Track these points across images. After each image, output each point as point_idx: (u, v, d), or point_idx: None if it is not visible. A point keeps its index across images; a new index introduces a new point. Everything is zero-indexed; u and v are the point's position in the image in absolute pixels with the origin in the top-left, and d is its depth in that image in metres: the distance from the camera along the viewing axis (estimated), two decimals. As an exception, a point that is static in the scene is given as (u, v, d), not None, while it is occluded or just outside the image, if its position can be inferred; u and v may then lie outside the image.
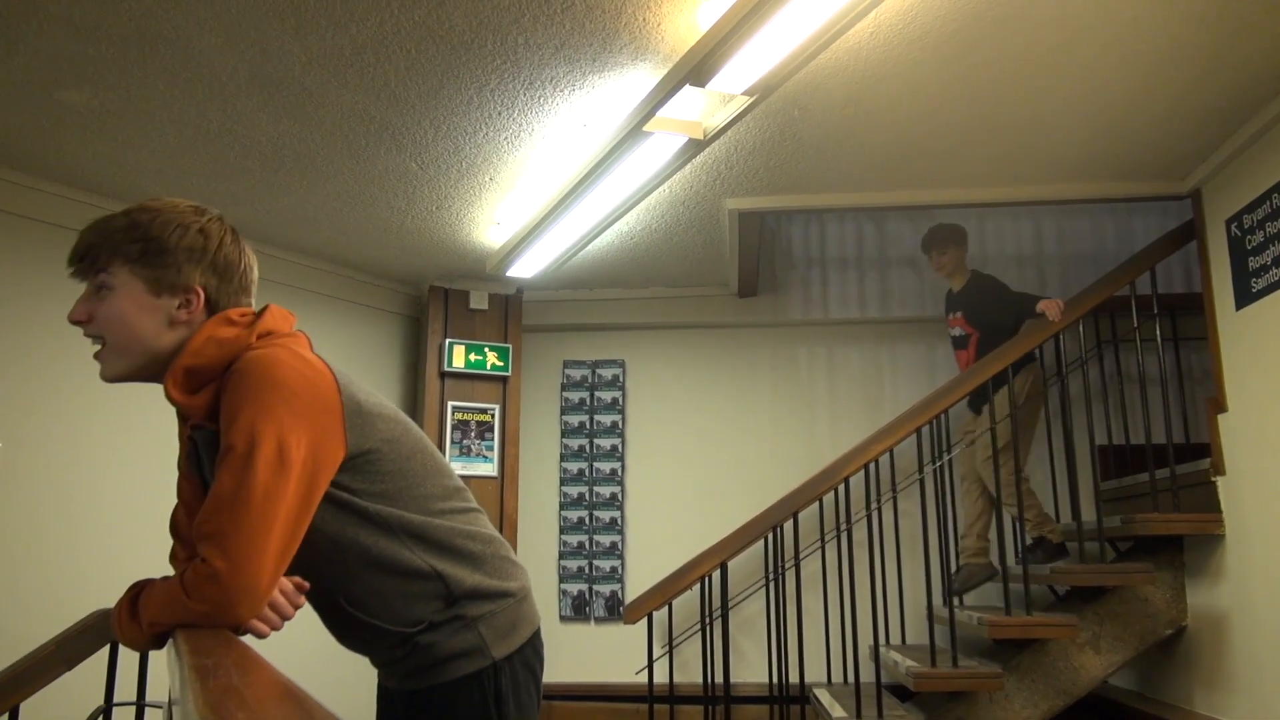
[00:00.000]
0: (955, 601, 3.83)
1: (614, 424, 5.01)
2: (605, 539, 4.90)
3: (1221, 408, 3.45)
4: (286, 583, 1.36)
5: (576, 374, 5.08)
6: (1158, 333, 3.82)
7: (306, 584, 1.40)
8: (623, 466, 4.97)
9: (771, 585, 3.93)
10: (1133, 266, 3.84)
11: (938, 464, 3.78)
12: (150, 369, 1.43)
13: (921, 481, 3.78)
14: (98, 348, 1.44)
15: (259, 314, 1.47)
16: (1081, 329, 3.92)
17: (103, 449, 3.56)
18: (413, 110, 3.03)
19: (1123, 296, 3.85)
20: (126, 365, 1.43)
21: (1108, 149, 3.42)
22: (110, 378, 1.45)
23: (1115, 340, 4.11)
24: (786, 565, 3.97)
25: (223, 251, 1.46)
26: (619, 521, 4.92)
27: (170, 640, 1.25)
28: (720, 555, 3.81)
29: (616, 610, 4.79)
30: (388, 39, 2.61)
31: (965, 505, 4.08)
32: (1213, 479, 3.48)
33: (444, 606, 1.50)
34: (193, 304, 1.42)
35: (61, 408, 3.46)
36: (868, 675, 3.86)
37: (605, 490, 4.95)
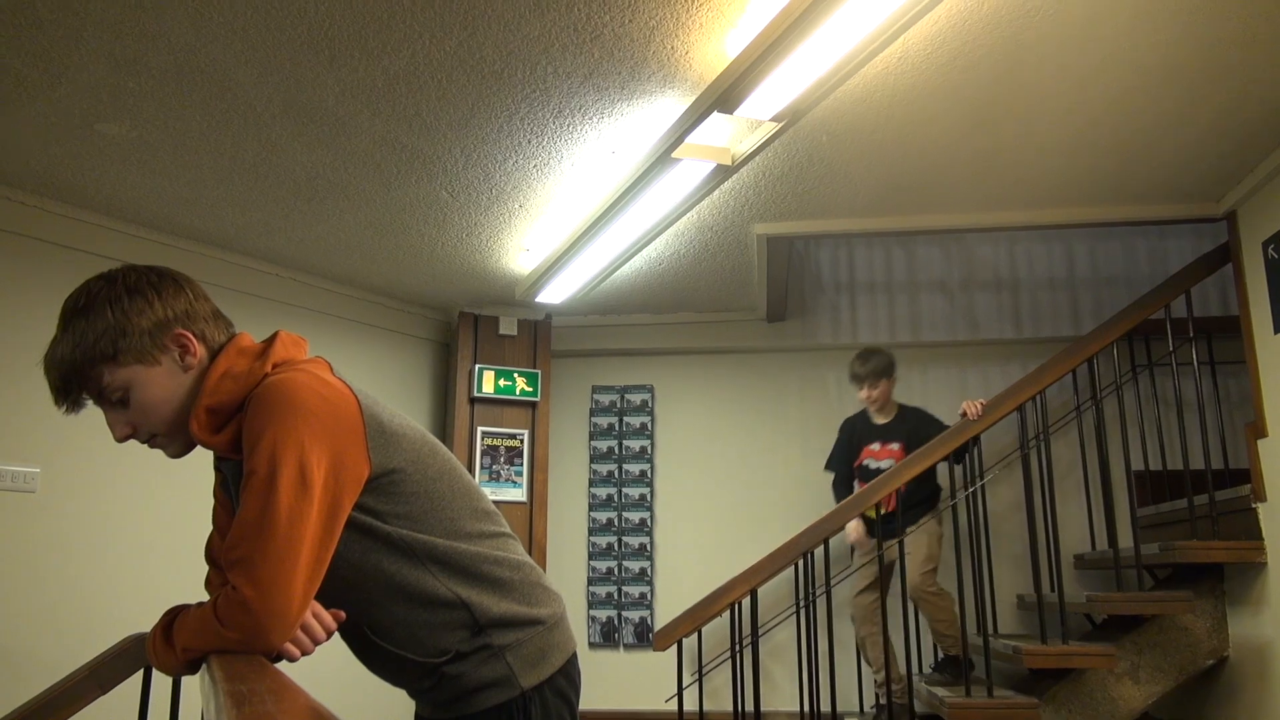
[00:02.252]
0: (990, 630, 3.77)
1: (643, 449, 5.00)
2: (634, 565, 4.88)
3: (1261, 433, 3.38)
4: (318, 605, 1.36)
5: (605, 399, 5.08)
6: (1194, 356, 3.76)
7: (343, 615, 1.40)
8: (651, 492, 4.96)
9: (802, 612, 3.89)
10: (1168, 289, 3.79)
11: (970, 489, 3.73)
12: None
13: (954, 507, 3.74)
14: (153, 441, 1.45)
15: (269, 343, 1.47)
16: (1116, 353, 3.87)
17: (138, 474, 3.60)
18: (443, 139, 3.06)
19: (1158, 320, 3.80)
20: (184, 435, 1.44)
21: (1140, 172, 3.39)
22: (180, 454, 1.48)
23: (1151, 364, 4.06)
24: (818, 592, 3.92)
25: (164, 292, 1.42)
26: (648, 547, 4.90)
27: (204, 666, 1.25)
28: (750, 581, 3.77)
29: (646, 637, 4.75)
30: (419, 70, 2.65)
31: (869, 645, 3.95)
32: (1253, 506, 3.41)
33: (470, 636, 1.48)
34: (188, 346, 1.41)
35: (97, 432, 3.50)
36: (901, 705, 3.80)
37: (634, 516, 4.94)
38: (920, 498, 3.89)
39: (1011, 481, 4.24)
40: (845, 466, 4.25)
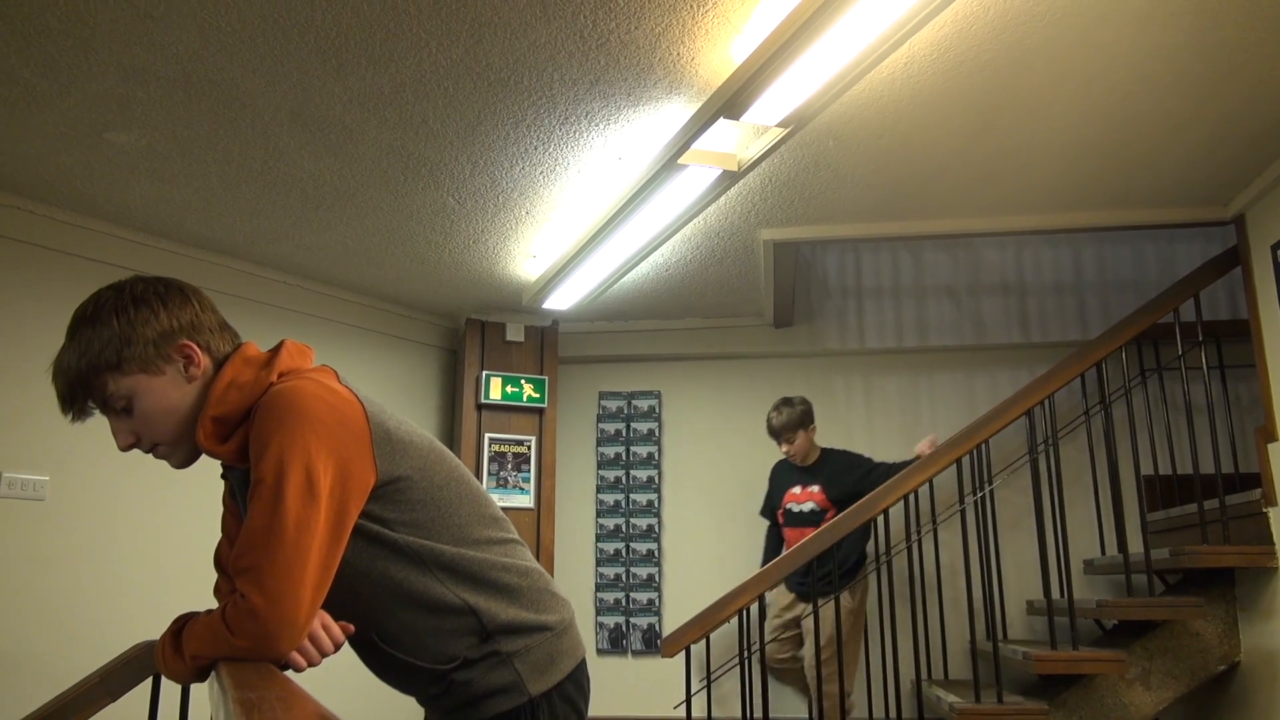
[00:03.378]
0: (999, 635, 3.76)
1: (650, 455, 5.00)
2: (642, 571, 4.88)
3: (1272, 437, 3.37)
4: (328, 617, 1.36)
5: (612, 405, 5.08)
6: (1203, 360, 3.75)
7: (351, 628, 1.40)
8: (659, 498, 4.95)
9: (811, 618, 3.88)
10: (1177, 293, 3.78)
11: (979, 495, 3.72)
12: None
13: (963, 513, 3.73)
14: (156, 450, 1.45)
15: (275, 352, 1.48)
16: (1124, 357, 3.86)
17: (147, 482, 3.61)
18: (450, 146, 3.07)
19: (1166, 324, 3.79)
20: (189, 445, 1.44)
21: (1147, 176, 3.39)
22: (183, 464, 1.48)
23: (1159, 368, 4.04)
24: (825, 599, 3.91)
25: (170, 302, 1.43)
26: (655, 553, 4.89)
27: (213, 673, 1.25)
28: (759, 587, 3.76)
29: (654, 643, 4.75)
30: (426, 77, 2.66)
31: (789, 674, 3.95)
32: (1264, 510, 3.39)
33: (478, 642, 1.48)
34: (192, 357, 1.42)
35: (106, 441, 3.52)
36: (910, 711, 3.79)
37: (642, 522, 4.93)
38: (844, 564, 3.75)
39: (1020, 487, 4.23)
40: (772, 515, 4.31)
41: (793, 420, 4.10)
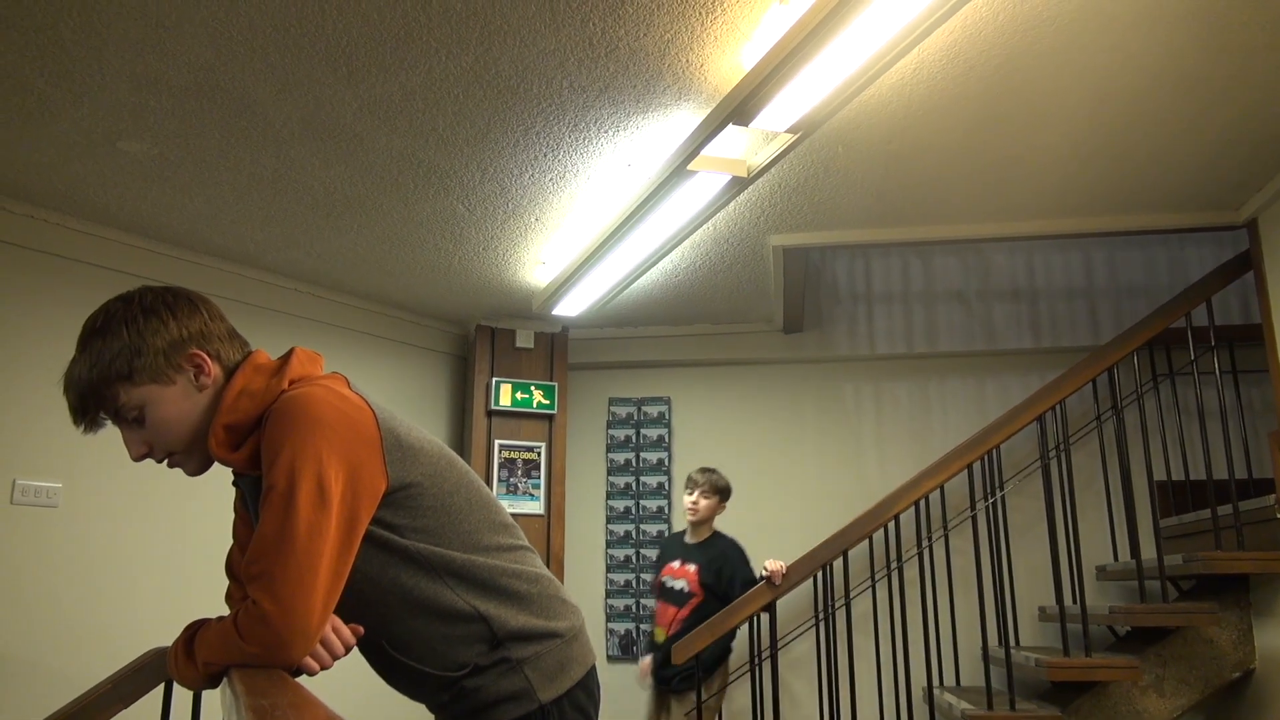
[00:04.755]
0: (1011, 641, 3.74)
1: (660, 461, 5.00)
2: (652, 577, 4.86)
3: (1285, 442, 3.35)
4: (338, 620, 1.37)
5: (622, 411, 5.08)
6: (1216, 365, 3.73)
7: (361, 629, 1.40)
8: (669, 504, 4.95)
9: (821, 625, 3.87)
10: (1188, 298, 3.76)
11: (991, 501, 3.71)
12: None
13: (974, 518, 3.71)
14: (170, 460, 1.45)
15: (285, 359, 1.48)
16: (1136, 362, 3.84)
17: (159, 489, 3.62)
18: (460, 154, 3.08)
19: (1178, 328, 3.77)
20: (201, 453, 1.45)
21: (1158, 179, 3.37)
22: (198, 472, 1.48)
23: (1172, 373, 4.02)
24: (837, 604, 3.90)
25: (179, 312, 1.43)
26: (666, 560, 4.88)
27: (225, 679, 1.26)
28: (768, 595, 3.75)
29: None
30: (436, 85, 2.67)
31: None
32: (1278, 516, 3.37)
33: (488, 649, 1.49)
34: (202, 366, 1.42)
35: (118, 448, 3.53)
36: (921, 718, 3.77)
37: (652, 528, 4.93)
38: (706, 658, 3.63)
39: (1032, 492, 4.21)
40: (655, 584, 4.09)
41: (717, 482, 3.93)
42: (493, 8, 2.32)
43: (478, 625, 1.48)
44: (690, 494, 3.94)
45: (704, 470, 3.98)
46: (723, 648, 3.76)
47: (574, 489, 4.92)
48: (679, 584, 3.85)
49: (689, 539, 3.98)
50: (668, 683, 3.75)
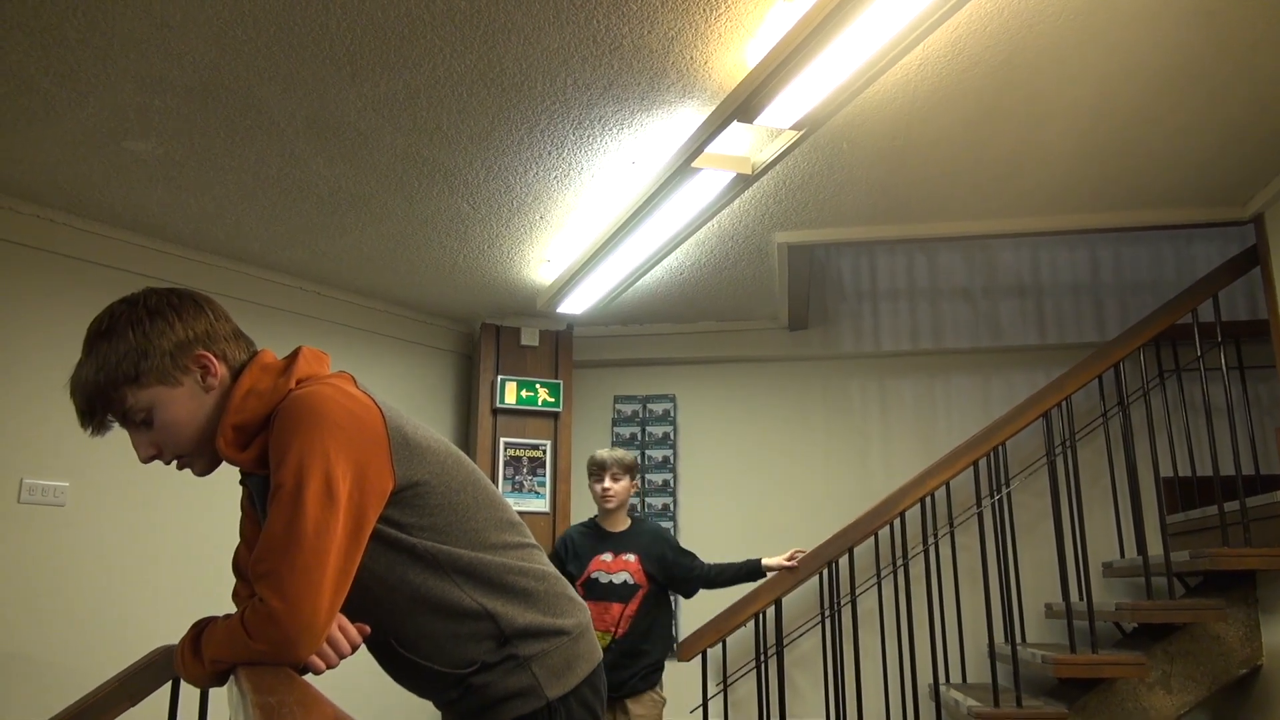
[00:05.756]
0: (1018, 638, 3.74)
1: (665, 459, 5.00)
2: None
3: (1292, 438, 3.34)
4: (344, 619, 1.37)
5: (627, 409, 5.08)
6: (1222, 361, 3.72)
7: (368, 629, 1.41)
8: (674, 501, 4.95)
9: (827, 622, 3.87)
10: (1195, 294, 3.75)
11: (997, 497, 3.70)
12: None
13: (980, 515, 3.71)
14: (179, 461, 1.46)
15: (292, 358, 1.48)
16: (1143, 358, 3.83)
17: (166, 488, 3.63)
18: (464, 152, 3.08)
19: (1184, 324, 3.77)
20: (209, 454, 1.45)
21: (1164, 175, 3.36)
22: (206, 472, 1.48)
23: (1178, 369, 4.01)
24: (842, 601, 3.90)
25: (184, 313, 1.43)
26: (671, 557, 4.87)
27: (232, 677, 1.26)
28: (775, 591, 3.76)
29: (670, 647, 4.73)
30: (440, 83, 2.67)
31: None
32: (1285, 512, 3.36)
33: (496, 647, 1.49)
34: (209, 366, 1.42)
35: (125, 447, 3.54)
36: (928, 714, 3.77)
37: (657, 526, 4.92)
38: (647, 658, 3.39)
39: (1038, 489, 4.21)
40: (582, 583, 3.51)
41: (627, 461, 3.51)
42: (497, 6, 2.32)
43: (485, 623, 1.48)
44: (599, 480, 3.49)
45: (611, 450, 3.58)
46: (658, 652, 3.45)
47: (579, 487, 4.91)
48: (619, 577, 3.42)
49: (609, 528, 3.51)
50: (621, 687, 3.31)
